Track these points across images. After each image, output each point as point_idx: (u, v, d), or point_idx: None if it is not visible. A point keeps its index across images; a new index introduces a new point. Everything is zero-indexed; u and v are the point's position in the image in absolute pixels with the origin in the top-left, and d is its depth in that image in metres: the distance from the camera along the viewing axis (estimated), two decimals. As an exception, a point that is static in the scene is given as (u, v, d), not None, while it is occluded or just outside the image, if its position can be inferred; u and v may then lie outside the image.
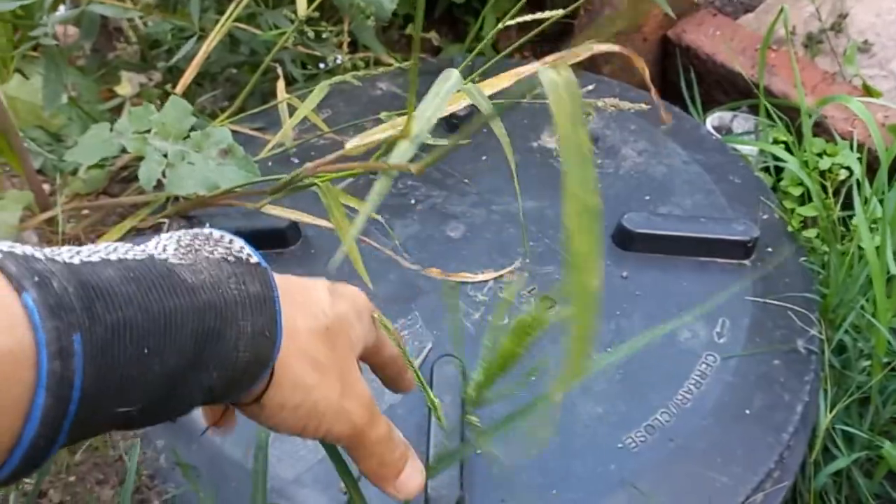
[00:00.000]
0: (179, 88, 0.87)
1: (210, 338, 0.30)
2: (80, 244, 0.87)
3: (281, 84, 0.83)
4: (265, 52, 0.97)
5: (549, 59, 0.59)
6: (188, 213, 0.79)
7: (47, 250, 0.28)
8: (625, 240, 0.78)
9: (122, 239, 0.81)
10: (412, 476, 0.41)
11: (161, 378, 0.29)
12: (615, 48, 0.62)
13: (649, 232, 0.77)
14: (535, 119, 0.94)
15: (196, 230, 0.34)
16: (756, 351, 0.72)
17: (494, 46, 1.22)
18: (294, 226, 0.78)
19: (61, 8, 0.94)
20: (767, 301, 0.76)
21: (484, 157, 0.89)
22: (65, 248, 0.29)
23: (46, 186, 0.95)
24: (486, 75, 0.74)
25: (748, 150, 0.97)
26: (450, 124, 0.91)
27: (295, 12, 0.91)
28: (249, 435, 0.64)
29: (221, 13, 0.93)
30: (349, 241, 0.54)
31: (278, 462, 0.64)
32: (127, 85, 0.98)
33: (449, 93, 0.41)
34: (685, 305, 0.74)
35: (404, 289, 0.74)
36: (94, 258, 0.29)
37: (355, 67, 0.86)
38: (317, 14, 0.76)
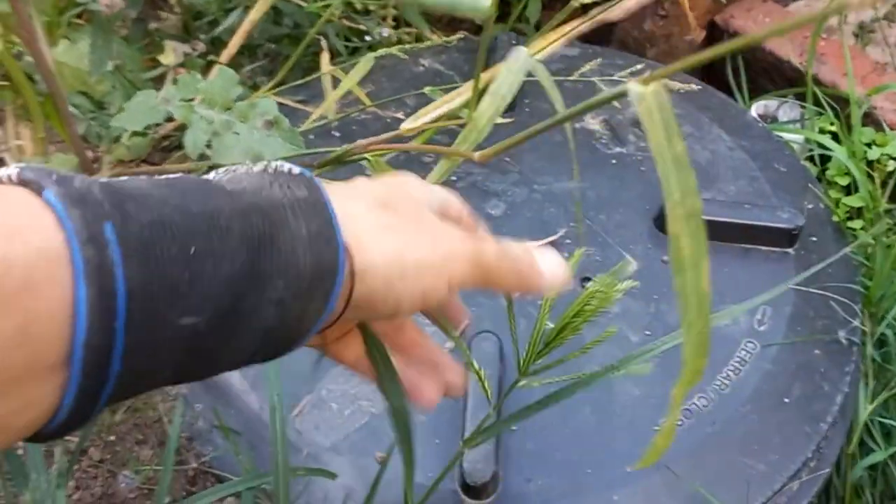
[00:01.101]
0: (224, 58, 0.87)
1: (262, 243, 0.27)
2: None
3: (325, 56, 0.82)
4: (308, 24, 0.97)
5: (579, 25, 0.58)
6: (230, 182, 0.79)
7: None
8: (666, 224, 0.77)
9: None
10: (551, 265, 0.38)
11: (220, 284, 0.26)
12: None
13: (692, 216, 0.76)
14: (576, 100, 0.93)
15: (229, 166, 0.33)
16: (797, 340, 0.71)
17: (537, 26, 1.21)
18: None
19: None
20: (810, 290, 0.75)
21: (525, 137, 0.89)
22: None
23: (89, 153, 0.96)
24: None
25: (793, 138, 0.96)
26: (492, 103, 0.90)
27: (341, -15, 0.91)
28: (292, 400, 0.65)
29: (266, -16, 0.93)
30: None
31: (315, 429, 0.65)
32: (171, 54, 0.98)
33: (522, 71, 0.41)
34: (727, 292, 0.74)
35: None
36: (122, 178, 0.27)
37: (400, 42, 0.86)
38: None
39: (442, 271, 0.32)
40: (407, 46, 0.72)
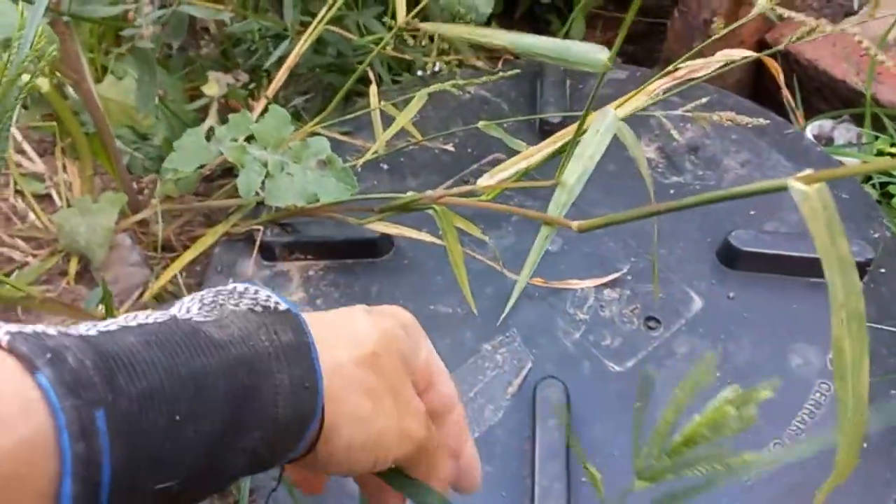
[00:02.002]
0: (270, 92, 0.86)
1: (246, 396, 0.28)
2: (172, 248, 0.87)
3: (374, 89, 0.81)
4: (352, 53, 0.95)
5: (677, 73, 0.56)
6: (281, 221, 0.78)
7: (61, 327, 0.27)
8: (731, 258, 0.75)
9: (215, 244, 0.81)
10: (471, 468, 0.40)
11: (198, 446, 0.27)
12: (749, 53, 0.59)
13: (757, 251, 0.74)
14: (630, 128, 0.90)
15: (219, 287, 0.33)
16: (872, 380, 0.68)
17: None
18: (386, 235, 0.76)
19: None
20: (882, 327, 0.72)
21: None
22: (82, 323, 0.28)
23: (133, 185, 0.95)
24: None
25: (850, 161, 0.93)
26: (542, 131, 0.88)
27: (384, 15, 0.89)
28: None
29: (306, 13, 0.92)
30: (461, 270, 0.52)
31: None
32: (214, 85, 0.97)
33: (609, 133, 0.39)
34: (796, 329, 0.71)
35: (502, 305, 0.72)
36: (113, 327, 0.27)
37: (451, 73, 0.84)
38: (416, 20, 0.74)
39: (395, 448, 0.34)
40: (460, 82, 0.70)
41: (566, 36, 1.11)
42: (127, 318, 0.28)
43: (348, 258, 0.78)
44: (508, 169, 0.47)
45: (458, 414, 0.39)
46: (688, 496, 0.37)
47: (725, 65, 0.55)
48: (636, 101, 0.53)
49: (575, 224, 0.36)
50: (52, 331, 0.25)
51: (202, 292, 0.32)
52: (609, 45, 0.87)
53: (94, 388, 0.24)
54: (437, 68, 0.93)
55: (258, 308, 0.31)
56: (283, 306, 0.32)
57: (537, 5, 1.24)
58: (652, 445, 0.36)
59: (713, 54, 0.70)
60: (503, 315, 0.71)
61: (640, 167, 0.47)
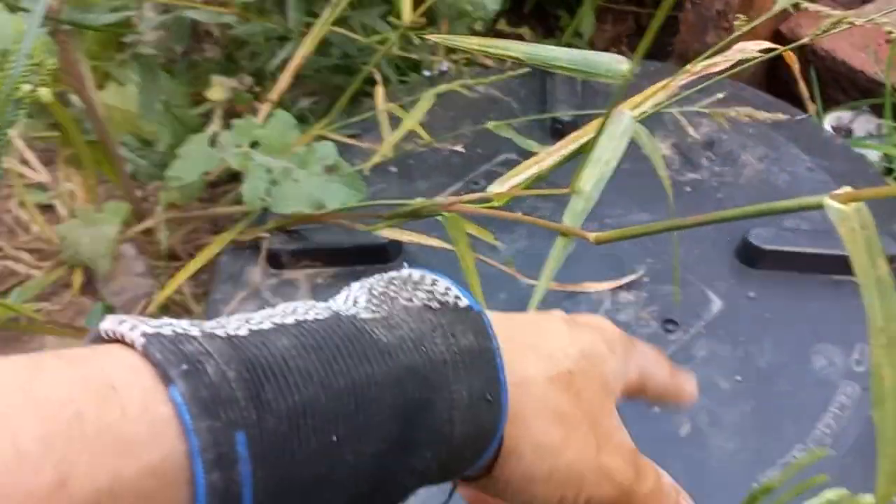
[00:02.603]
0: (275, 96, 0.85)
1: (416, 411, 0.24)
2: (177, 257, 0.85)
3: (380, 91, 0.79)
4: (357, 54, 0.94)
5: (693, 70, 0.54)
6: (288, 228, 0.77)
7: (209, 323, 0.23)
8: (751, 257, 0.73)
9: (220, 253, 0.79)
10: None
11: (357, 471, 0.23)
12: (768, 45, 0.56)
13: (778, 249, 0.72)
14: (644, 125, 0.88)
15: (392, 273, 0.28)
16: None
17: (590, 42, 1.17)
18: (395, 241, 0.75)
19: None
20: (910, 325, 0.70)
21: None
22: (234, 318, 0.23)
23: (138, 192, 0.94)
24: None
25: (870, 153, 0.90)
26: (554, 129, 0.86)
27: (389, 14, 0.88)
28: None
29: (309, 14, 0.90)
30: (473, 276, 0.50)
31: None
32: (219, 89, 0.96)
33: (625, 136, 0.37)
34: (820, 329, 0.69)
35: (516, 310, 0.70)
36: (266, 325, 0.23)
37: (458, 73, 0.82)
38: (423, 20, 0.73)
39: (589, 487, 0.29)
40: (469, 82, 0.68)
41: (576, 30, 1.09)
42: (285, 311, 0.24)
43: (357, 265, 0.76)
44: (521, 174, 0.45)
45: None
46: None
47: (744, 60, 0.53)
48: (653, 100, 0.51)
49: (592, 236, 0.35)
50: (195, 331, 0.22)
51: (373, 279, 0.28)
52: (619, 38, 0.85)
53: (236, 405, 0.20)
54: (444, 67, 0.91)
55: (434, 304, 0.27)
56: (463, 302, 0.28)
57: (546, 0, 1.22)
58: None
59: (729, 47, 0.68)
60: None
61: (658, 170, 0.45)
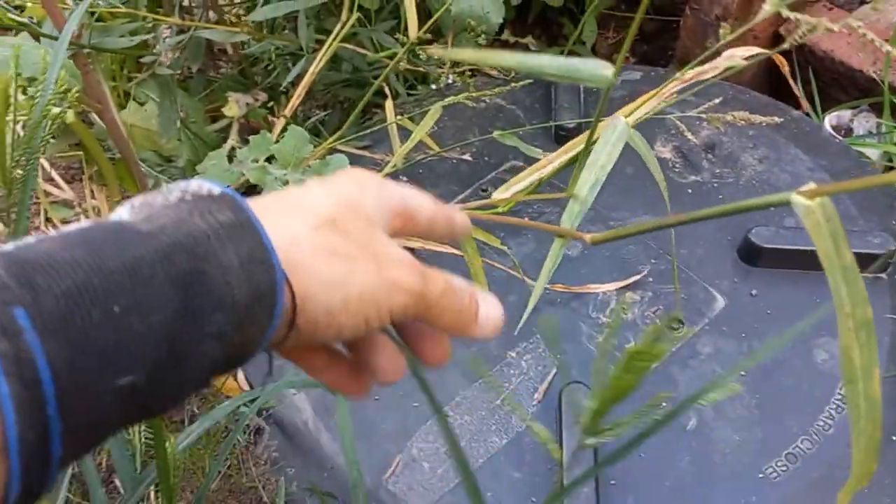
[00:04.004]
0: (288, 111, 0.88)
1: (192, 281, 0.26)
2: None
3: (389, 103, 0.82)
4: (367, 69, 0.97)
5: (689, 74, 0.56)
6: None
7: None
8: (752, 255, 0.75)
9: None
10: (490, 310, 0.36)
11: (152, 336, 0.25)
12: (756, 51, 0.59)
13: (778, 247, 0.74)
14: (646, 129, 0.91)
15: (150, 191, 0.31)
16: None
17: (593, 49, 1.19)
18: (407, 248, 0.77)
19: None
20: (908, 318, 0.72)
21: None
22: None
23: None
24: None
25: (870, 151, 0.92)
26: (558, 136, 0.89)
27: (396, 29, 0.91)
28: (383, 460, 0.65)
29: (319, 31, 0.93)
30: (481, 281, 0.53)
31: (409, 490, 0.64)
32: (234, 106, 0.99)
33: (620, 141, 0.39)
34: (820, 324, 0.71)
35: (523, 311, 0.73)
36: (30, 240, 0.25)
37: (465, 84, 0.85)
38: (428, 36, 0.75)
39: (384, 302, 0.32)
40: (475, 94, 0.71)
41: (578, 38, 1.12)
42: (50, 233, 0.26)
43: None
44: (524, 180, 0.48)
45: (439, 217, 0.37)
46: (665, 422, 0.36)
47: (733, 66, 0.55)
48: (649, 105, 0.53)
49: (588, 237, 0.37)
50: None
51: (133, 198, 0.30)
52: (621, 45, 0.87)
53: (10, 290, 0.22)
54: (450, 80, 0.94)
55: (188, 197, 0.29)
56: (217, 190, 0.30)
57: (549, 9, 1.24)
58: (593, 400, 0.35)
59: (719, 54, 0.71)
60: (520, 324, 0.71)
61: (652, 171, 0.47)
